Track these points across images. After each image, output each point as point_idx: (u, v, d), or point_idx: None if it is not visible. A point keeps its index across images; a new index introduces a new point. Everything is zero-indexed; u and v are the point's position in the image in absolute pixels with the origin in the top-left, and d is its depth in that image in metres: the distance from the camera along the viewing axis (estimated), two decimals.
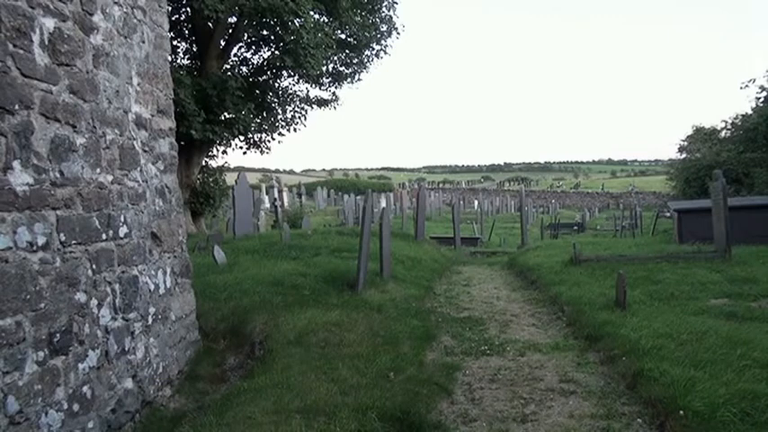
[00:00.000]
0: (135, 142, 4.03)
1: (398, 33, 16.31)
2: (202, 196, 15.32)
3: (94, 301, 3.37)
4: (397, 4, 15.72)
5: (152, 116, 4.36)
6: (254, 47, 14.85)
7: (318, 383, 4.11)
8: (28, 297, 2.75)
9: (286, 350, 4.84)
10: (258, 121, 14.34)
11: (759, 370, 3.99)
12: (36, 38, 2.87)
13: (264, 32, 13.48)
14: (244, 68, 14.89)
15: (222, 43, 14.01)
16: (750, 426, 3.27)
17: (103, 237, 3.50)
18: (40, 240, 2.88)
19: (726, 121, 24.12)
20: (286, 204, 27.77)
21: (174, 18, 13.50)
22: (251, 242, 10.62)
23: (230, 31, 14.07)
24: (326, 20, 13.85)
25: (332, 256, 9.34)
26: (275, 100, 14.87)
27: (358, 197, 27.97)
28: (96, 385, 3.32)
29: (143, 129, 4.18)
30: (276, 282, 6.84)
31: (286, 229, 11.80)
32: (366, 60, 16.26)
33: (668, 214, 20.19)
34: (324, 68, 14.52)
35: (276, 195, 24.29)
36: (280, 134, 15.41)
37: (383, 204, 25.12)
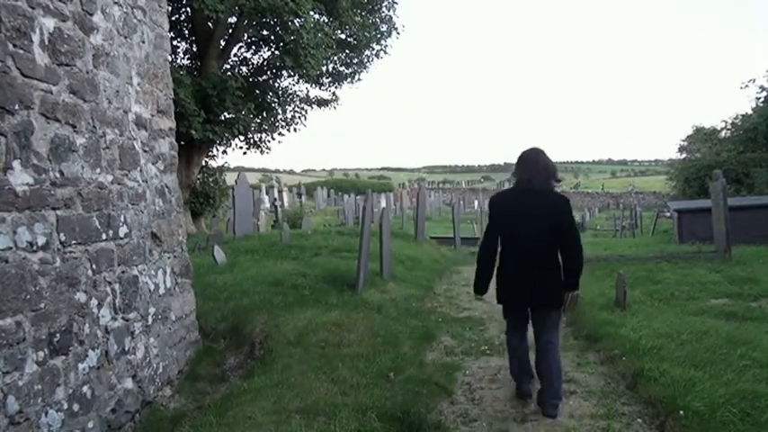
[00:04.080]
0: (135, 142, 4.03)
1: (398, 33, 16.32)
2: (202, 196, 15.32)
3: (94, 301, 3.37)
4: (397, 4, 15.72)
5: (152, 116, 4.36)
6: (254, 47, 14.85)
7: (318, 383, 4.11)
8: (28, 297, 2.75)
9: (286, 350, 4.84)
10: (258, 121, 14.34)
11: (759, 370, 3.99)
12: (36, 38, 2.87)
13: (264, 32, 13.48)
14: (244, 68, 14.89)
15: (222, 43, 14.01)
16: (750, 426, 3.27)
17: (103, 237, 3.51)
18: (40, 240, 2.88)
19: (726, 121, 24.16)
20: (286, 204, 27.75)
21: (174, 18, 13.49)
22: (251, 242, 10.62)
23: (230, 31, 14.07)
24: (326, 20, 13.85)
25: (332, 256, 9.34)
26: (275, 100, 14.87)
27: (358, 197, 27.95)
28: (96, 385, 3.32)
29: (143, 129, 4.18)
30: (276, 282, 6.84)
31: (286, 228, 11.80)
32: (366, 60, 16.26)
33: (668, 214, 20.18)
34: (324, 68, 14.52)
35: (276, 195, 24.32)
36: (280, 134, 15.41)
37: (383, 204, 25.11)
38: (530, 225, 3.75)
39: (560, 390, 3.84)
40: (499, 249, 3.97)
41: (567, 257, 3.76)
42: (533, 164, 3.86)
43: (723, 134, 24.39)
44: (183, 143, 12.17)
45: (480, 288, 4.05)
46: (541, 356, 3.86)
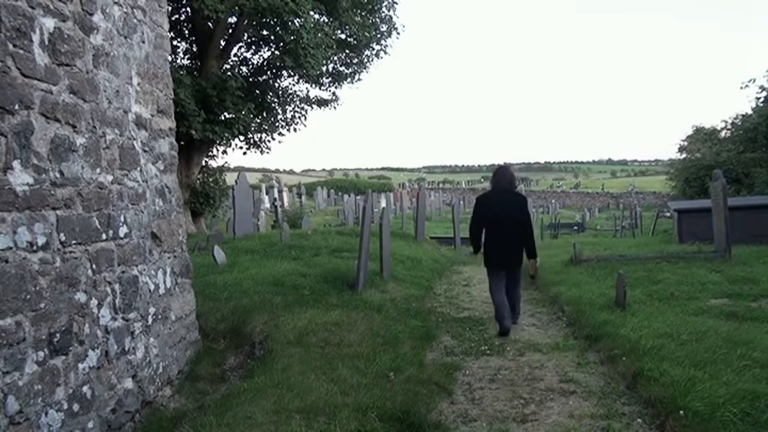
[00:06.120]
0: (135, 142, 4.03)
1: (398, 33, 16.31)
2: (202, 196, 15.30)
3: (94, 301, 3.37)
4: (397, 4, 15.71)
5: (152, 116, 4.36)
6: (254, 47, 14.84)
7: (318, 383, 4.11)
8: (28, 297, 2.75)
9: (286, 350, 4.84)
10: (258, 121, 14.33)
11: (759, 370, 3.98)
12: (36, 38, 2.87)
13: (264, 32, 13.47)
14: (244, 68, 14.88)
15: (222, 43, 14.00)
16: (750, 426, 3.27)
17: (103, 237, 3.51)
18: (40, 240, 2.88)
19: (726, 121, 24.10)
20: (286, 204, 27.72)
21: (174, 18, 13.48)
22: (251, 242, 10.62)
23: (230, 31, 14.06)
24: (326, 20, 13.84)
25: (332, 256, 9.34)
26: (275, 100, 14.86)
27: (358, 197, 27.95)
28: (96, 385, 3.32)
29: (143, 129, 4.18)
30: (276, 282, 6.84)
31: (286, 228, 11.80)
32: (366, 60, 16.25)
33: (668, 214, 20.17)
34: (324, 68, 14.50)
35: (276, 195, 24.27)
36: (280, 134, 15.39)
37: (383, 204, 25.08)
38: (503, 213, 6.10)
39: (519, 310, 6.54)
40: (484, 231, 6.30)
41: (524, 237, 6.15)
42: (502, 175, 6.37)
43: (723, 134, 24.35)
44: (183, 143, 12.17)
45: (476, 248, 6.53)
46: (511, 294, 6.27)
